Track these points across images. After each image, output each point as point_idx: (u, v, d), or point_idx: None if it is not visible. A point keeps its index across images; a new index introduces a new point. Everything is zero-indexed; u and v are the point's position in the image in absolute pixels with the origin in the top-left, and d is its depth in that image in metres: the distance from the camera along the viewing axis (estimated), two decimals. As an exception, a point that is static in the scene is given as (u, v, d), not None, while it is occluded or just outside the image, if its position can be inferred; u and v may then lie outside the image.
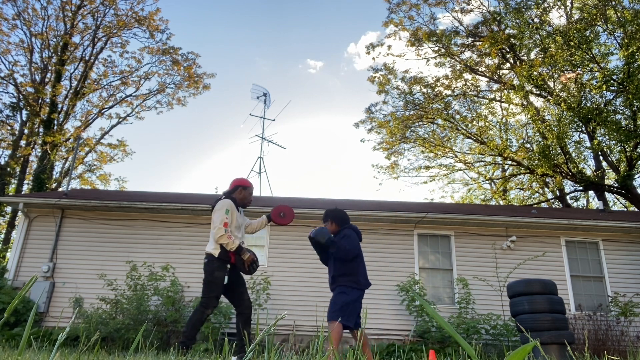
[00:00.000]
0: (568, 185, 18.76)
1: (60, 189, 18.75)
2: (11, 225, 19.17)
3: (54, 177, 19.90)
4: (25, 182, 20.13)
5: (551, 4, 16.17)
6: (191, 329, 4.19)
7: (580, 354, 6.51)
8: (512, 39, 16.92)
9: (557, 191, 19.30)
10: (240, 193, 4.71)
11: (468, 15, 18.66)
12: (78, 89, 20.93)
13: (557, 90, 15.77)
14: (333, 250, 4.35)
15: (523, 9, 15.98)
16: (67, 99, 20.64)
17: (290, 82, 35.01)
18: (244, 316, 4.41)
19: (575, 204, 19.62)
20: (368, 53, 19.77)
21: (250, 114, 16.04)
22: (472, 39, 18.66)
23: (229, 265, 4.39)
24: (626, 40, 13.69)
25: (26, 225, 9.72)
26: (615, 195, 18.18)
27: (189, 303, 8.49)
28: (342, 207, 10.66)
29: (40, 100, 20.35)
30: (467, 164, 19.48)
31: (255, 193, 15.99)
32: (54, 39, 20.88)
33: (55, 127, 19.90)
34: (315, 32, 34.86)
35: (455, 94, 18.64)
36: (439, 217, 9.63)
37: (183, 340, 4.14)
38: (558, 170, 16.01)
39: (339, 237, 4.42)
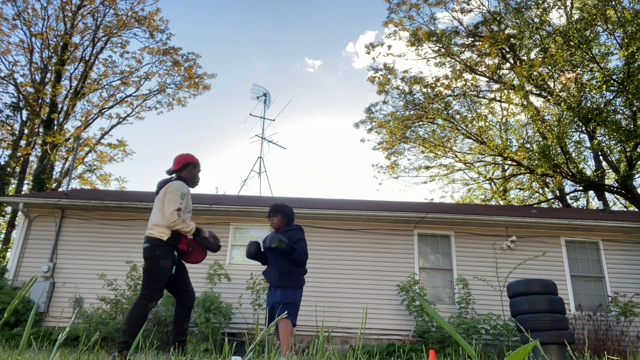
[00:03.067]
0: (568, 185, 18.77)
1: (60, 189, 18.74)
2: (11, 225, 19.17)
3: (54, 177, 19.90)
4: (25, 182, 20.14)
5: (551, 4, 16.17)
6: (134, 326, 3.61)
7: (580, 354, 6.51)
8: (512, 39, 16.91)
9: (557, 191, 19.30)
10: (190, 172, 4.13)
11: (468, 15, 18.66)
12: (78, 89, 20.93)
13: (557, 90, 15.77)
14: (294, 256, 4.39)
15: (523, 9, 15.98)
16: (67, 99, 20.64)
17: (289, 81, 35.03)
18: (186, 308, 3.96)
19: (575, 204, 19.62)
20: (368, 53, 19.78)
21: (250, 114, 16.05)
22: (472, 39, 18.66)
23: (176, 252, 3.89)
24: (626, 40, 13.69)
25: (26, 225, 9.72)
26: (615, 195, 18.18)
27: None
28: (342, 207, 10.66)
29: (40, 100, 20.35)
30: (467, 164, 19.48)
31: (255, 193, 15.99)
32: (54, 39, 20.88)
33: (55, 127, 19.90)
34: (314, 31, 34.86)
35: (455, 94, 18.63)
36: (439, 217, 9.63)
37: (124, 341, 3.54)
38: (558, 170, 16.01)
39: (292, 238, 4.46)
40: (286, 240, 4.32)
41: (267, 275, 4.59)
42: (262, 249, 4.68)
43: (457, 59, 18.69)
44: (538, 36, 15.79)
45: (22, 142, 20.30)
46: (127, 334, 3.56)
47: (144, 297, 3.69)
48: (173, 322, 3.95)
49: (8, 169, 19.27)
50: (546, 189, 20.32)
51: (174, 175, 4.13)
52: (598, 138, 15.38)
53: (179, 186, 3.90)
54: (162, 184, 4.01)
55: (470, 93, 18.61)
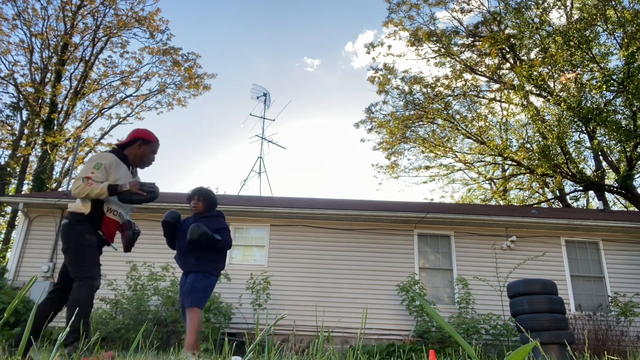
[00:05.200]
0: (568, 185, 18.77)
1: (60, 189, 18.74)
2: (11, 225, 19.18)
3: (54, 177, 19.91)
4: (25, 182, 20.14)
5: (551, 4, 16.17)
6: (87, 313, 3.06)
7: (580, 354, 6.51)
8: (512, 39, 16.91)
9: (557, 191, 19.30)
10: (139, 148, 3.61)
11: (468, 15, 18.66)
12: (78, 89, 20.93)
13: (557, 90, 15.77)
14: (219, 246, 4.01)
15: (523, 9, 15.98)
16: (67, 99, 20.64)
17: (289, 80, 35.04)
18: (65, 301, 3.25)
19: (575, 204, 19.62)
20: (368, 53, 19.79)
21: (250, 114, 16.04)
22: (472, 39, 18.66)
23: (100, 232, 3.37)
24: (626, 40, 13.69)
25: (26, 225, 9.72)
26: (615, 195, 18.18)
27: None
28: (342, 207, 10.65)
29: (40, 100, 20.36)
30: (467, 164, 19.48)
31: (255, 193, 15.98)
32: (54, 39, 20.88)
33: (55, 127, 19.90)
34: (313, 31, 34.87)
35: (455, 94, 18.63)
36: (439, 217, 9.63)
37: (72, 332, 2.95)
38: (558, 170, 16.01)
39: (213, 225, 4.03)
40: (210, 232, 3.89)
41: (181, 261, 4.09)
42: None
43: (457, 59, 18.69)
44: (538, 36, 15.79)
45: (22, 142, 20.30)
46: (75, 325, 2.95)
47: (85, 277, 3.10)
48: (44, 317, 3.15)
49: (8, 169, 19.28)
50: (546, 189, 20.33)
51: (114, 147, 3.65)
52: (598, 138, 15.38)
53: (98, 156, 3.47)
54: None
55: (470, 93, 18.61)
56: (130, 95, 21.96)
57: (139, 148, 3.61)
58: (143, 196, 3.39)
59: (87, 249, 3.21)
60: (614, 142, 15.17)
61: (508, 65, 18.73)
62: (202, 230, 3.81)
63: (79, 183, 3.23)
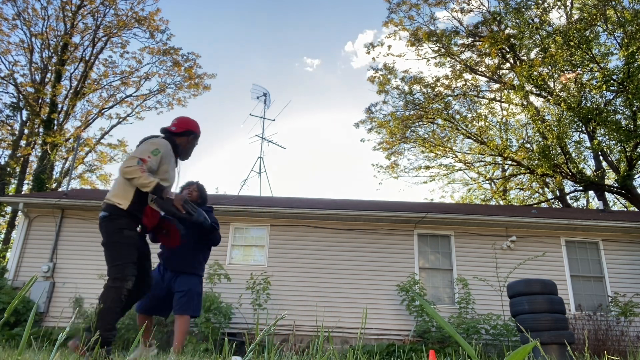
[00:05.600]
0: (568, 185, 18.77)
1: (60, 189, 18.74)
2: (11, 225, 19.18)
3: (54, 177, 19.90)
4: (25, 182, 20.14)
5: (551, 4, 16.17)
6: (111, 317, 2.94)
7: (580, 354, 6.51)
8: (512, 39, 16.91)
9: (557, 191, 19.30)
10: (189, 142, 3.49)
11: (468, 15, 18.66)
12: (78, 89, 20.93)
13: (557, 90, 15.77)
14: (212, 235, 3.88)
15: (523, 9, 15.98)
16: (67, 99, 20.64)
17: (288, 80, 35.04)
18: (139, 298, 3.34)
19: (575, 204, 19.62)
20: (368, 53, 19.79)
21: (250, 114, 16.05)
22: (472, 39, 18.66)
23: (139, 227, 3.23)
24: (626, 40, 13.69)
25: (26, 225, 9.72)
26: (615, 195, 18.18)
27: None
28: (342, 207, 10.65)
29: (40, 100, 20.35)
30: (467, 164, 19.48)
31: (255, 193, 15.98)
32: (54, 39, 20.88)
33: (55, 127, 19.90)
34: (313, 30, 34.86)
35: (455, 94, 18.63)
36: (439, 217, 9.63)
37: (104, 336, 2.83)
38: (558, 170, 16.01)
39: (209, 216, 3.92)
40: (209, 219, 3.74)
41: (172, 259, 3.85)
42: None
43: (457, 59, 18.69)
44: (538, 36, 15.80)
45: (22, 142, 20.30)
46: (105, 327, 2.87)
47: (117, 278, 2.95)
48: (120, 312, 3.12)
49: (8, 169, 19.27)
50: (546, 189, 20.32)
51: (164, 133, 3.44)
52: (598, 138, 15.38)
53: (157, 142, 3.24)
54: (142, 141, 3.33)
55: (470, 93, 18.61)
56: (130, 95, 21.98)
57: (189, 141, 3.47)
58: (180, 213, 3.20)
59: (124, 247, 3.02)
60: (614, 142, 15.17)
61: (508, 65, 18.73)
62: (204, 216, 3.67)
63: (132, 162, 3.02)
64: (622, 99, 14.56)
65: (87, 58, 21.18)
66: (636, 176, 16.31)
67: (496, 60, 18.47)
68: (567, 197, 19.18)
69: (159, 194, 3.05)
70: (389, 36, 19.68)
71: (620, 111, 14.88)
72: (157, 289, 3.76)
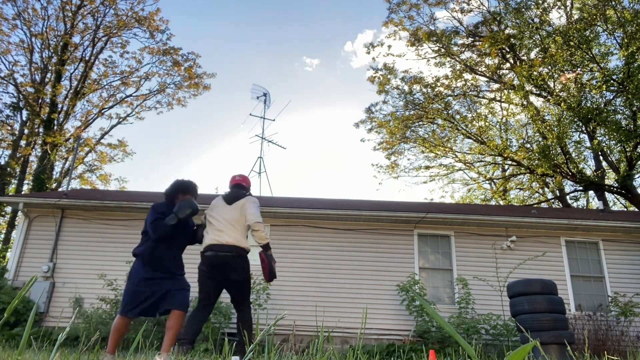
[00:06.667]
0: (568, 185, 18.76)
1: (60, 189, 18.74)
2: (11, 225, 19.17)
3: (54, 177, 19.90)
4: (25, 182, 20.14)
5: (551, 4, 16.17)
6: (250, 331, 4.01)
7: (580, 354, 6.51)
8: (512, 39, 16.91)
9: (557, 191, 19.30)
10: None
11: (468, 15, 18.66)
12: (78, 89, 20.93)
13: (557, 90, 15.77)
14: (198, 231, 4.11)
15: (523, 9, 15.98)
16: (67, 99, 20.64)
17: (288, 80, 35.04)
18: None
19: (575, 204, 19.62)
20: (368, 53, 19.80)
21: (250, 114, 16.05)
22: (472, 39, 18.66)
23: None
24: (626, 40, 13.69)
25: (26, 225, 9.72)
26: (615, 195, 18.18)
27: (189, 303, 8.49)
28: (342, 207, 10.63)
29: (40, 100, 20.35)
30: (467, 164, 19.48)
31: (256, 193, 15.98)
32: (54, 39, 20.88)
33: (55, 127, 19.90)
34: (312, 30, 34.86)
35: (455, 94, 18.63)
36: (439, 217, 9.62)
37: (252, 342, 3.75)
38: (558, 170, 16.01)
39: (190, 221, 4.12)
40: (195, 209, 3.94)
41: (161, 262, 3.90)
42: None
43: (457, 59, 18.69)
44: (538, 36, 15.80)
45: (22, 142, 20.30)
46: (250, 339, 3.91)
47: (250, 303, 4.17)
48: (199, 321, 4.08)
49: (8, 169, 19.27)
50: (546, 189, 20.32)
51: (246, 192, 4.41)
52: (598, 138, 15.38)
53: (257, 200, 4.26)
54: (236, 198, 4.20)
55: (470, 93, 18.61)
56: (130, 95, 21.98)
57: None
58: (268, 269, 4.06)
59: (250, 284, 4.14)
60: (614, 142, 15.17)
61: (508, 65, 18.73)
62: (195, 206, 3.82)
63: (262, 227, 4.00)
64: (622, 99, 14.56)
65: (87, 58, 21.19)
66: (636, 176, 16.32)
67: (496, 60, 18.48)
68: (567, 197, 19.18)
69: (267, 250, 4.09)
70: (389, 36, 19.70)
71: (620, 111, 14.88)
72: (144, 290, 3.82)
